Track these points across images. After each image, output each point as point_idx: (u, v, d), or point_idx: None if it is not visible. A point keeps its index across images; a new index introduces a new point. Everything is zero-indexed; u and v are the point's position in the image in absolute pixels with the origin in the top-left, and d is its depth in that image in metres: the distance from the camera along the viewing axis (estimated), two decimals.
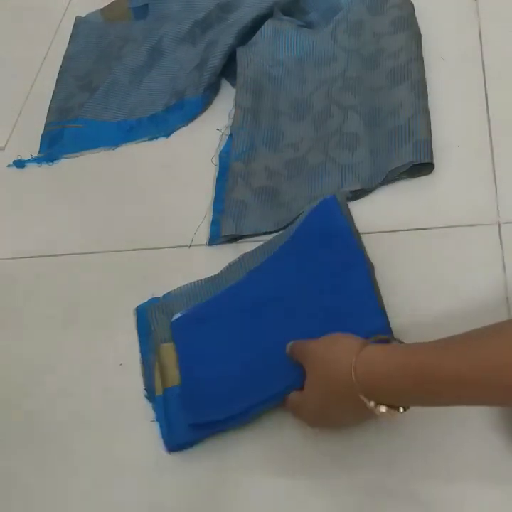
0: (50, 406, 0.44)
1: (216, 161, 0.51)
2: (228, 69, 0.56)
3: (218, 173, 0.50)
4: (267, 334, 0.40)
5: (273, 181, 0.48)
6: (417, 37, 0.50)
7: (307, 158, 0.49)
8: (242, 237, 0.47)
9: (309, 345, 0.36)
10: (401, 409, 0.31)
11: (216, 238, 0.47)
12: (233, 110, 0.52)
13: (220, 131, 0.52)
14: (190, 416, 0.38)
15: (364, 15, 0.54)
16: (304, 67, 0.54)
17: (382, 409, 0.30)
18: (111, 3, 0.67)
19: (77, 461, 0.41)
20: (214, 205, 0.49)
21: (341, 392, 0.32)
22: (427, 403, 0.31)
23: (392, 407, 0.31)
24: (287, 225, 0.46)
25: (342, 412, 0.34)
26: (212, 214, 0.48)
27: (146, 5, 0.64)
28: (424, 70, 0.49)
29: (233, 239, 0.47)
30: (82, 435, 0.42)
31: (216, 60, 0.55)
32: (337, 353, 0.33)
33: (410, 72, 0.48)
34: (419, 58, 0.49)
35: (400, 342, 0.34)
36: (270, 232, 0.46)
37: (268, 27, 0.55)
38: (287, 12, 0.56)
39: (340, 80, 0.52)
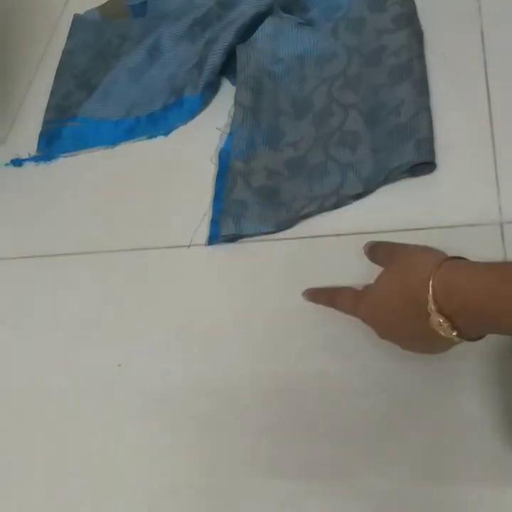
0: (50, 406, 0.44)
1: (216, 160, 0.51)
2: (228, 67, 0.56)
3: (218, 173, 0.50)
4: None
5: (273, 181, 0.48)
6: (418, 34, 0.50)
7: (307, 158, 0.48)
8: (241, 237, 0.47)
9: (397, 247, 0.36)
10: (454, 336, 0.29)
11: (215, 238, 0.47)
12: (233, 108, 0.52)
13: (220, 130, 0.52)
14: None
15: (365, 12, 0.53)
16: (304, 65, 0.54)
17: (454, 333, 0.29)
18: (109, 0, 0.67)
19: (76, 461, 0.41)
20: (213, 205, 0.48)
21: (412, 298, 0.31)
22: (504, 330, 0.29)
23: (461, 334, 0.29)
24: (288, 226, 0.46)
25: (404, 323, 0.32)
26: (211, 214, 0.48)
27: (145, 3, 0.63)
28: (426, 68, 0.49)
29: (233, 239, 0.47)
30: (81, 435, 0.42)
31: (215, 58, 0.54)
32: (419, 257, 0.32)
33: (412, 70, 0.48)
34: (421, 56, 0.49)
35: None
36: (270, 233, 0.46)
37: (268, 24, 0.54)
38: (287, 9, 0.56)
39: (341, 77, 0.51)
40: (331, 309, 0.40)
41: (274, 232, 0.46)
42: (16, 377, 0.46)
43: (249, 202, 0.47)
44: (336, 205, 0.46)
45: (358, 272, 0.42)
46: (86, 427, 0.42)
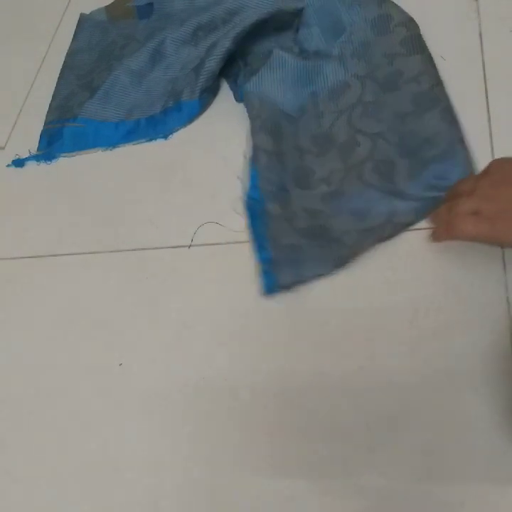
0: (50, 406, 0.44)
1: (242, 209, 0.48)
2: (226, 71, 0.55)
3: (251, 222, 0.46)
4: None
5: (317, 220, 0.45)
6: (432, 60, 0.49)
7: (344, 191, 0.46)
8: (300, 282, 0.43)
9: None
10: None
11: (272, 289, 0.43)
12: (251, 152, 0.49)
13: (240, 179, 0.49)
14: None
15: (369, 35, 0.51)
16: (318, 101, 0.51)
17: None
18: (115, 0, 0.66)
19: (77, 460, 0.41)
20: (259, 256, 0.44)
21: None
22: None
23: None
24: (346, 262, 0.43)
25: None
26: (260, 265, 0.44)
27: (151, 4, 0.63)
28: (448, 96, 0.47)
29: (291, 286, 0.43)
30: (82, 435, 0.42)
31: (212, 64, 0.54)
32: None
33: (438, 99, 0.46)
34: (441, 83, 0.48)
35: None
36: (329, 273, 0.43)
37: (274, 62, 0.52)
38: (289, 23, 0.56)
39: (359, 106, 0.49)
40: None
41: (332, 272, 0.43)
42: (16, 377, 0.46)
43: (299, 245, 0.43)
44: (392, 234, 0.43)
45: (356, 271, 0.42)
46: (87, 426, 0.42)
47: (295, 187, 0.47)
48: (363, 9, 0.52)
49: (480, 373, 0.37)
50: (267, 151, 0.48)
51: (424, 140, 0.45)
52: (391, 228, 0.43)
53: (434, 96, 0.47)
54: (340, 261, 0.43)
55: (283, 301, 0.43)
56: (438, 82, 0.48)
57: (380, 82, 0.50)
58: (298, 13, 0.55)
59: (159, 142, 0.55)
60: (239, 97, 0.54)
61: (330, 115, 0.50)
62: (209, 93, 0.55)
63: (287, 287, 0.43)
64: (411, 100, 0.47)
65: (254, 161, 0.49)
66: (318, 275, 0.42)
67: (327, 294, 0.42)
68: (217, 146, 0.53)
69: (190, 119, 0.55)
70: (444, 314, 0.40)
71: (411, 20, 0.51)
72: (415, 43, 0.50)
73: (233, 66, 0.56)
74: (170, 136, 0.55)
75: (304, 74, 0.52)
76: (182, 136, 0.55)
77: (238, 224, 0.48)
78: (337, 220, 0.45)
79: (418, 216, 0.43)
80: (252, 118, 0.50)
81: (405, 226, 0.43)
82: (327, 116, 0.50)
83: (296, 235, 0.44)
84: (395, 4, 0.52)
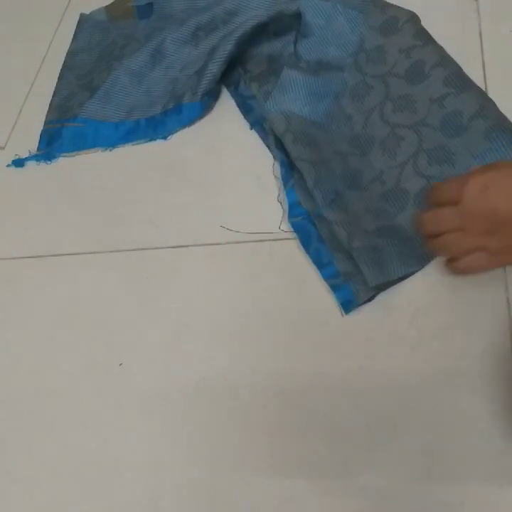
0: (50, 406, 0.44)
1: (288, 228, 0.46)
2: (228, 79, 0.55)
3: (303, 240, 0.45)
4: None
5: (383, 219, 0.43)
6: (443, 49, 0.49)
7: (404, 188, 0.44)
8: (384, 287, 0.41)
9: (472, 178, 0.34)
10: None
11: (354, 301, 0.41)
12: (282, 170, 0.49)
13: (280, 201, 0.48)
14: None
15: (380, 39, 0.51)
16: (342, 106, 0.51)
17: None
18: (115, 0, 0.66)
19: (77, 460, 0.41)
20: (323, 273, 0.43)
21: None
22: None
23: None
24: (429, 259, 0.41)
25: None
26: (329, 283, 0.42)
27: (151, 4, 0.63)
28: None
29: (373, 296, 0.41)
30: (82, 435, 0.42)
31: (214, 67, 0.54)
32: None
33: (469, 79, 0.46)
34: (461, 69, 0.47)
35: None
36: (415, 271, 0.42)
37: (284, 82, 0.52)
38: (289, 27, 0.55)
39: (388, 103, 0.48)
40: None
41: (418, 270, 0.41)
42: (16, 378, 0.46)
43: (377, 245, 0.42)
44: None
45: None
46: (87, 426, 0.42)
47: (348, 189, 0.46)
48: (367, 18, 0.52)
49: (480, 373, 0.37)
50: (310, 161, 0.46)
51: (475, 114, 0.44)
52: None
53: (465, 77, 0.46)
54: (427, 258, 0.41)
55: (282, 301, 0.43)
56: (460, 67, 0.47)
57: (403, 76, 0.49)
58: (297, 16, 0.54)
59: (159, 142, 0.55)
60: (251, 125, 0.53)
61: (358, 116, 0.50)
62: (210, 96, 0.55)
63: (372, 295, 0.41)
64: (443, 83, 0.46)
65: (290, 177, 0.48)
66: (407, 274, 0.41)
67: (327, 293, 0.42)
68: (217, 146, 0.53)
69: (191, 121, 0.55)
70: (444, 314, 0.40)
71: (414, 15, 0.51)
72: (427, 34, 0.50)
73: (233, 73, 0.56)
74: (169, 136, 0.55)
75: (316, 88, 0.51)
76: (182, 137, 0.55)
77: (238, 224, 0.48)
78: (405, 218, 0.43)
79: None
80: (281, 135, 0.49)
81: None
82: (356, 118, 0.50)
83: (369, 236, 0.42)
84: (397, 6, 0.52)
